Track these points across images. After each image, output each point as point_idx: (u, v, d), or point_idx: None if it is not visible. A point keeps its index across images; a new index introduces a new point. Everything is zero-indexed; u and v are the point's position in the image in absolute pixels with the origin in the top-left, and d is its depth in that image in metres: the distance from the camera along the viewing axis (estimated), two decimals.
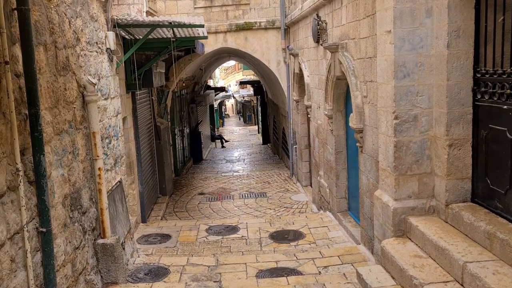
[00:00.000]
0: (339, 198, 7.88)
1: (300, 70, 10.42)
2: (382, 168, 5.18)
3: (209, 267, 6.04)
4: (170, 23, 6.69)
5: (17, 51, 3.50)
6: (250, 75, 30.69)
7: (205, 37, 8.02)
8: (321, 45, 8.00)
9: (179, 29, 7.41)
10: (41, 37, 4.00)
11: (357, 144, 6.26)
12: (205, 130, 20.99)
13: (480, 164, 4.44)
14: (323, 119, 8.53)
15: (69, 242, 4.40)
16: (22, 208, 3.40)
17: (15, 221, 3.33)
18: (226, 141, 24.32)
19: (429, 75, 4.67)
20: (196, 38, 8.08)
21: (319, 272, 5.73)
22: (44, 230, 3.68)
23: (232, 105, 57.82)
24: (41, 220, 3.69)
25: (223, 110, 45.35)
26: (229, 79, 45.15)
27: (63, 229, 4.25)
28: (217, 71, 35.23)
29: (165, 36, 7.79)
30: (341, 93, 7.51)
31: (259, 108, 26.58)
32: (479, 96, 4.38)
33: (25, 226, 3.42)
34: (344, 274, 5.46)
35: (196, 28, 7.34)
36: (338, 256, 6.17)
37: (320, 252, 6.44)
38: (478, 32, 4.34)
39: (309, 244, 7.10)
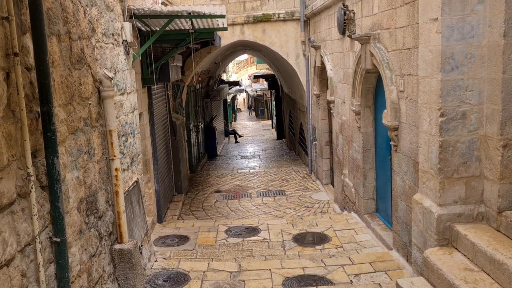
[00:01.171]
0: (367, 199, 7.44)
1: (322, 63, 9.95)
2: (423, 170, 4.73)
3: (231, 273, 5.67)
4: (189, 13, 6.29)
5: (28, 41, 3.13)
6: (264, 69, 30.20)
7: (225, 29, 7.61)
8: (348, 36, 7.53)
9: (198, 20, 7.00)
10: (54, 26, 3.62)
11: (391, 142, 5.81)
12: (219, 125, 20.64)
13: None
14: (348, 115, 8.08)
15: (85, 250, 4.05)
16: (34, 217, 3.04)
17: (26, 231, 2.97)
18: (240, 136, 23.95)
19: (480, 67, 4.21)
20: (215, 30, 7.67)
21: (351, 281, 5.33)
22: (58, 240, 3.32)
23: (244, 99, 57.41)
24: (54, 229, 3.33)
25: (235, 104, 44.98)
26: (241, 73, 44.73)
27: (78, 236, 3.90)
28: (230, 65, 34.79)
29: (182, 28, 7.39)
30: (370, 87, 7.05)
31: (273, 103, 26.13)
32: None
33: (37, 236, 3.06)
34: (379, 284, 5.05)
35: (216, 19, 6.92)
36: (370, 263, 5.76)
37: (349, 257, 6.03)
38: None
39: (336, 248, 6.69)
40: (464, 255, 4.18)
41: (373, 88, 7.06)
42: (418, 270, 4.91)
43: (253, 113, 48.25)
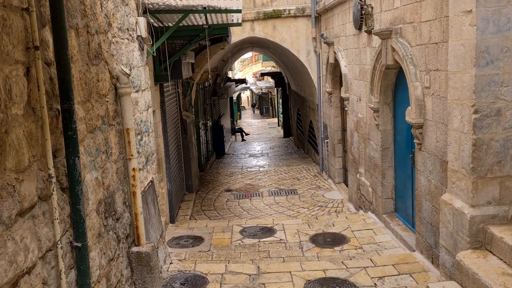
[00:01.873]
0: (385, 199, 7.25)
1: (336, 59, 9.75)
2: (453, 169, 4.53)
3: (250, 275, 5.50)
4: (205, 8, 6.09)
5: (47, 35, 2.95)
6: (270, 66, 30.01)
7: (239, 24, 7.42)
8: (366, 31, 7.33)
9: (212, 15, 6.81)
10: (73, 19, 3.44)
11: (415, 141, 5.61)
12: (226, 123, 20.47)
13: None
14: (365, 113, 7.88)
15: (104, 253, 3.88)
16: (55, 221, 2.86)
17: (47, 236, 2.80)
18: (247, 134, 23.78)
19: None
20: (229, 25, 7.49)
21: (375, 284, 5.14)
22: (79, 244, 3.15)
23: (248, 97, 57.24)
24: (75, 233, 3.16)
25: (240, 102, 44.81)
26: (246, 71, 44.58)
27: (97, 240, 3.73)
28: (236, 63, 34.61)
29: (196, 23, 7.21)
30: (389, 84, 6.85)
31: (280, 101, 25.94)
32: None
33: (58, 241, 2.89)
34: None
35: (231, 14, 6.73)
36: (393, 265, 5.56)
37: (371, 259, 5.84)
38: None
39: (356, 249, 6.50)
40: (500, 259, 3.99)
41: (392, 85, 6.86)
42: (446, 273, 4.72)
43: (257, 111, 48.06)
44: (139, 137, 5.48)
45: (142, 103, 5.75)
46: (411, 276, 5.25)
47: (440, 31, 4.82)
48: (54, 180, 2.84)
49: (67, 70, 2.96)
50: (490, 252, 4.14)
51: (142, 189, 5.41)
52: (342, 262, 5.80)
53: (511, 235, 3.97)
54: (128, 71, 4.56)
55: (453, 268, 4.49)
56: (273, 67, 28.27)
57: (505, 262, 3.92)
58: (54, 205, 2.85)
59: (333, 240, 6.94)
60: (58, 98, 2.99)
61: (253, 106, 50.36)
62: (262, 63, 34.98)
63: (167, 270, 5.73)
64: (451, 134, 4.53)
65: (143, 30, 5.63)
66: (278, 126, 28.38)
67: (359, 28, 7.80)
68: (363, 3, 7.31)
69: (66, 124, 3.00)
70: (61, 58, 2.93)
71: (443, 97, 4.85)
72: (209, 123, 15.79)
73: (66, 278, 3.02)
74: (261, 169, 13.98)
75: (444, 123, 4.84)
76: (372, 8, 7.08)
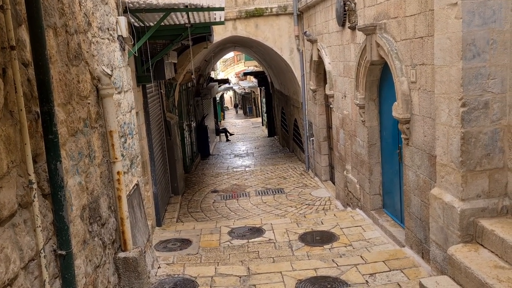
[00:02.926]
0: (373, 195, 7.24)
1: (319, 57, 9.72)
2: (442, 163, 4.52)
3: (240, 277, 5.41)
4: (187, 6, 5.99)
5: (24, 34, 2.82)
6: (252, 66, 29.93)
7: (222, 23, 7.33)
8: (350, 28, 7.31)
9: (194, 13, 6.70)
10: (50, 18, 3.31)
11: (402, 136, 5.60)
12: (210, 123, 20.31)
13: None
14: (351, 109, 7.86)
15: (89, 261, 3.74)
16: (37, 229, 2.73)
17: (29, 245, 2.67)
18: (231, 134, 23.66)
19: (502, 54, 4.01)
20: (212, 24, 7.38)
21: (366, 281, 5.11)
22: (63, 252, 3.02)
23: (231, 97, 57.07)
24: (59, 240, 3.03)
25: (223, 103, 44.62)
26: (228, 71, 44.38)
27: (82, 246, 3.59)
28: (218, 63, 34.41)
29: (178, 22, 7.08)
30: (374, 80, 6.83)
31: (264, 100, 25.89)
32: None
33: (41, 250, 2.76)
34: (398, 284, 4.83)
35: (214, 13, 6.63)
36: (384, 261, 5.54)
37: (361, 256, 5.81)
38: None
39: (345, 246, 6.46)
40: (492, 252, 3.98)
41: (377, 81, 6.85)
42: (438, 268, 4.71)
43: (240, 111, 47.93)
44: (123, 139, 5.34)
45: (125, 105, 5.61)
46: (402, 272, 5.24)
47: (425, 25, 4.80)
48: (35, 186, 2.71)
49: (45, 71, 2.83)
50: (481, 245, 4.13)
51: (128, 192, 5.28)
52: (333, 260, 5.75)
53: (502, 227, 3.97)
54: (109, 72, 4.43)
55: (444, 263, 4.48)
56: (256, 66, 28.19)
57: (496, 255, 3.92)
58: (36, 213, 2.72)
59: (322, 238, 6.89)
60: (37, 100, 2.86)
61: (235, 106, 50.17)
62: (244, 62, 34.85)
63: (155, 275, 5.60)
64: (439, 128, 4.52)
65: (124, 30, 5.49)
66: (262, 125, 28.33)
67: (343, 24, 7.78)
68: None
69: (46, 128, 2.87)
70: (39, 58, 2.80)
71: (430, 92, 4.84)
72: (193, 124, 15.63)
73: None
74: (247, 169, 13.89)
75: (432, 118, 4.83)
76: (355, 4, 7.06)
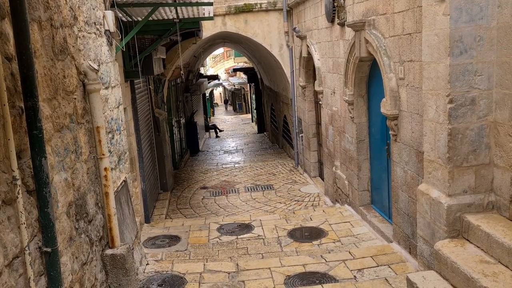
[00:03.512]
0: (361, 191, 7.27)
1: (309, 53, 9.72)
2: (429, 159, 4.55)
3: (229, 273, 5.41)
4: (175, 0, 5.93)
5: (7, 27, 2.76)
6: (242, 62, 29.86)
7: (211, 18, 7.28)
8: (339, 24, 7.31)
9: (183, 8, 6.65)
10: (35, 12, 3.25)
11: (391, 132, 5.63)
12: (199, 120, 20.23)
13: None
14: (339, 106, 7.88)
15: (76, 258, 3.70)
16: (21, 226, 2.69)
17: (13, 242, 2.63)
18: (221, 131, 23.60)
19: (489, 51, 4.04)
20: (201, 19, 7.32)
21: (354, 276, 5.13)
22: (49, 250, 2.98)
23: (220, 93, 56.92)
24: (44, 237, 2.99)
25: (212, 99, 44.47)
26: (218, 67, 44.25)
27: (68, 243, 3.55)
28: (207, 59, 34.27)
29: (166, 17, 7.02)
30: (363, 76, 6.85)
31: (253, 96, 25.85)
32: None
33: (26, 248, 2.72)
34: (386, 279, 4.87)
35: (202, 8, 6.58)
36: (371, 257, 5.58)
37: (349, 252, 5.84)
38: None
39: (334, 242, 6.49)
40: (478, 247, 4.02)
41: (366, 77, 6.87)
42: (425, 263, 4.75)
43: (230, 108, 47.82)
44: (110, 135, 5.29)
45: (112, 100, 5.55)
46: (389, 267, 5.27)
47: (413, 21, 4.82)
48: (19, 182, 2.66)
49: (30, 65, 2.78)
50: (468, 240, 4.17)
51: (115, 189, 5.23)
52: (321, 256, 5.77)
53: (488, 223, 4.01)
54: (96, 67, 4.38)
55: (431, 258, 4.52)
56: (246, 62, 28.13)
57: (482, 249, 3.96)
58: (20, 209, 2.68)
59: (311, 234, 6.92)
60: (21, 95, 2.80)
61: (225, 102, 50.03)
62: (234, 58, 34.76)
63: (144, 272, 5.58)
64: (427, 125, 4.55)
65: (111, 24, 5.43)
66: (252, 122, 28.30)
67: (332, 21, 7.78)
68: None
69: (30, 123, 2.82)
70: (23, 52, 2.75)
71: (417, 88, 4.86)
72: (182, 120, 15.56)
73: (36, 285, 2.85)
74: (236, 165, 13.88)
75: (419, 114, 4.86)
76: (344, 0, 7.06)
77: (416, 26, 4.75)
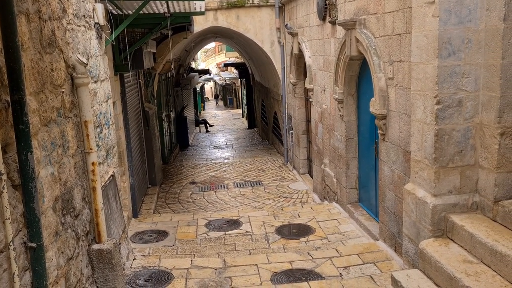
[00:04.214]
0: (349, 189, 7.32)
1: (300, 50, 9.73)
2: (416, 159, 4.60)
3: (216, 269, 5.42)
4: None
5: None
6: (233, 57, 29.76)
7: (202, 13, 7.25)
8: (330, 22, 7.33)
9: (174, 3, 6.61)
10: (23, 4, 3.20)
11: (379, 131, 5.67)
12: (190, 114, 20.16)
13: None
14: (329, 104, 7.91)
15: (62, 253, 3.69)
16: (6, 221, 2.67)
17: None
18: (211, 126, 23.56)
19: (476, 53, 4.08)
20: (192, 14, 7.29)
21: (340, 274, 5.18)
22: (34, 245, 2.96)
23: (211, 88, 56.73)
24: (29, 232, 2.97)
25: (203, 93, 44.32)
26: (209, 61, 44.08)
27: (54, 238, 3.53)
28: (198, 54, 34.10)
29: (157, 11, 6.97)
30: (353, 75, 6.88)
31: (244, 92, 25.82)
32: None
33: (10, 243, 2.70)
34: (371, 277, 4.92)
35: (194, 2, 6.55)
36: (358, 255, 5.63)
37: (336, 249, 5.89)
38: None
39: (321, 239, 6.54)
40: (461, 247, 4.08)
41: (356, 76, 6.90)
42: (409, 261, 4.81)
43: (221, 102, 47.69)
44: (98, 129, 5.25)
45: (101, 94, 5.51)
46: (375, 265, 5.33)
47: (404, 22, 4.85)
48: (4, 177, 2.64)
49: (16, 58, 2.75)
50: (452, 240, 4.23)
51: (103, 184, 5.20)
52: (308, 253, 5.81)
53: (472, 223, 4.07)
54: (85, 60, 4.34)
55: (416, 256, 4.58)
56: (237, 57, 28.04)
57: (465, 249, 4.02)
58: (5, 204, 2.66)
59: (299, 231, 6.96)
60: (7, 88, 2.77)
61: (216, 97, 49.85)
62: (225, 53, 34.59)
63: (130, 267, 5.57)
64: (414, 125, 4.59)
65: (101, 17, 5.38)
66: (243, 117, 28.28)
67: (323, 18, 7.79)
68: None
69: (16, 117, 2.79)
70: (10, 45, 2.71)
71: (406, 88, 4.90)
72: (172, 115, 15.49)
73: (20, 281, 2.83)
74: (226, 160, 13.88)
75: (407, 114, 4.90)
76: None
77: (406, 27, 4.79)
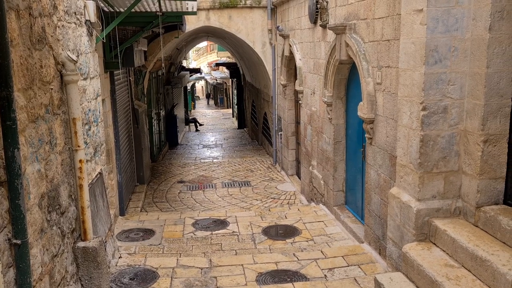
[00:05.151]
0: (336, 191, 7.39)
1: (291, 52, 9.78)
2: (402, 164, 4.67)
3: (202, 269, 5.44)
4: None
5: None
6: (225, 57, 29.75)
7: (194, 13, 7.26)
8: (321, 26, 7.39)
9: (166, 2, 6.61)
10: (13, 0, 3.20)
11: (366, 135, 5.74)
12: (180, 113, 20.12)
13: None
14: (318, 106, 7.97)
15: (47, 250, 3.68)
16: None
17: None
18: (201, 125, 23.54)
19: (462, 61, 4.16)
20: (184, 13, 7.29)
21: (325, 275, 5.23)
22: (18, 242, 2.96)
23: (202, 87, 56.61)
24: (14, 229, 2.97)
25: (194, 92, 44.22)
26: (201, 60, 43.97)
27: (39, 235, 3.52)
28: (190, 52, 34.01)
29: (149, 10, 6.97)
30: (342, 78, 6.95)
31: (235, 91, 25.81)
32: None
33: None
34: (355, 279, 4.98)
35: (186, 2, 6.56)
36: (342, 257, 5.69)
37: (321, 251, 5.94)
38: None
39: (307, 241, 6.59)
40: (443, 251, 4.16)
41: (345, 80, 6.97)
42: (393, 264, 4.88)
43: (212, 102, 47.62)
44: (87, 127, 5.24)
45: (90, 91, 5.50)
46: (359, 267, 5.39)
47: (392, 28, 4.92)
48: None
49: (5, 54, 2.75)
50: (434, 244, 4.31)
51: (90, 181, 5.20)
52: (294, 254, 5.86)
53: (454, 228, 4.15)
54: (75, 58, 4.34)
55: (399, 260, 4.65)
56: (229, 57, 28.04)
57: (447, 254, 4.09)
58: None
59: (285, 232, 7.00)
60: None
61: (207, 96, 49.74)
62: (217, 53, 34.54)
63: (116, 265, 5.56)
64: (401, 130, 4.66)
65: (92, 15, 5.37)
66: (233, 117, 28.27)
67: (314, 22, 7.85)
68: None
69: (4, 113, 2.79)
70: None
71: (393, 94, 4.97)
72: (162, 113, 15.46)
73: (4, 277, 2.84)
74: (214, 160, 13.88)
75: (394, 119, 4.97)
76: (327, 2, 7.13)
77: (395, 33, 4.85)
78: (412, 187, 4.48)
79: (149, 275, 5.25)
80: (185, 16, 9.59)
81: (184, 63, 26.42)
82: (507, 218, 3.80)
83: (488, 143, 4.03)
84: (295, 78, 9.83)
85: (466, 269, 3.81)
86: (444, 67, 4.16)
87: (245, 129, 21.23)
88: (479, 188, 4.11)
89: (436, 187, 4.37)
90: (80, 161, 4.44)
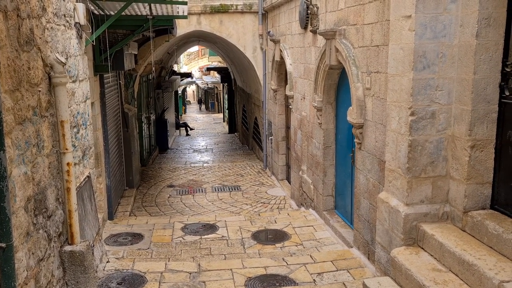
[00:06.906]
0: (326, 196, 7.41)
1: (281, 57, 9.82)
2: (390, 168, 4.70)
3: (190, 273, 5.41)
4: None
5: None
6: (216, 61, 29.79)
7: (185, 17, 7.26)
8: (311, 31, 7.43)
9: (157, 6, 6.60)
10: (0, 1, 3.17)
11: (355, 140, 5.76)
12: (170, 117, 20.06)
13: (503, 168, 4.04)
14: (308, 111, 8.00)
15: (32, 253, 3.63)
16: None
17: None
18: (191, 129, 23.47)
19: (450, 67, 4.20)
20: (175, 17, 7.29)
21: (314, 280, 5.23)
22: (3, 245, 2.92)
23: (193, 91, 56.55)
24: None
25: (185, 96, 44.13)
26: (192, 64, 43.96)
27: (25, 239, 3.48)
28: (181, 57, 33.99)
29: (140, 13, 6.95)
30: (332, 84, 6.98)
31: (226, 96, 25.84)
32: (507, 93, 3.96)
33: None
34: (344, 284, 4.98)
35: (177, 6, 6.56)
36: (332, 261, 5.69)
37: (310, 256, 5.94)
38: (509, 22, 3.91)
39: (296, 246, 6.59)
40: (431, 255, 4.18)
41: (335, 85, 7.01)
42: (381, 269, 4.89)
43: (203, 106, 47.58)
44: (75, 130, 5.20)
45: (79, 94, 5.46)
46: (348, 272, 5.40)
47: (382, 34, 4.96)
48: None
49: None
50: (422, 248, 4.33)
51: (78, 184, 5.15)
52: (283, 259, 5.85)
53: (442, 232, 4.17)
54: (63, 60, 4.31)
55: (387, 264, 4.66)
56: (220, 62, 28.08)
57: (435, 258, 4.11)
58: None
59: (275, 236, 6.99)
60: None
61: (199, 101, 49.66)
62: (208, 57, 34.62)
63: (103, 269, 5.50)
64: (389, 135, 4.69)
65: (81, 17, 5.35)
66: (224, 121, 28.28)
67: (305, 27, 7.90)
68: (309, 2, 7.39)
69: None
70: None
71: (382, 99, 5.00)
72: (153, 117, 15.40)
73: None
74: (205, 164, 13.85)
75: (383, 124, 5.00)
76: (317, 8, 7.18)
77: (384, 39, 4.90)
78: (400, 191, 4.50)
79: (137, 280, 5.21)
80: (176, 20, 9.60)
81: (175, 68, 26.39)
82: (493, 223, 3.83)
83: (475, 148, 4.07)
84: (286, 83, 9.87)
85: (454, 273, 3.83)
86: (432, 73, 4.20)
87: (235, 133, 21.23)
88: (466, 193, 4.14)
89: (424, 192, 4.40)
90: (68, 164, 4.40)
